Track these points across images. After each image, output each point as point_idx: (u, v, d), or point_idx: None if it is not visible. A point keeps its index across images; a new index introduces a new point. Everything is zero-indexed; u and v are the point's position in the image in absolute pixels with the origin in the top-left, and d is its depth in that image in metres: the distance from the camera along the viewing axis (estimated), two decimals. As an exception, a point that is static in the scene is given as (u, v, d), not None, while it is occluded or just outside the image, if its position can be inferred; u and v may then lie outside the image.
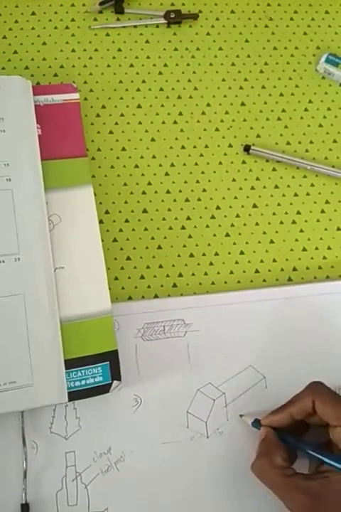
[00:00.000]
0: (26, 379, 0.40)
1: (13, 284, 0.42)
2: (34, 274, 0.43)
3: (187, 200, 0.51)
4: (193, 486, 0.42)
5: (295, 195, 0.52)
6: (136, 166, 0.51)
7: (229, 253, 0.49)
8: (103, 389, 0.41)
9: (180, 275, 0.48)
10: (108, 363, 0.42)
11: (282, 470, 0.37)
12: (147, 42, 0.56)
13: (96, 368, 0.42)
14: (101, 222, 0.48)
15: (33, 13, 0.56)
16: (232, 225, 0.50)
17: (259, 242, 0.50)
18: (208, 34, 0.57)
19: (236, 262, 0.49)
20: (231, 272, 0.49)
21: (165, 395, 0.44)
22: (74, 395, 0.41)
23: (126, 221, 0.50)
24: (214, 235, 0.50)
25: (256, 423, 0.42)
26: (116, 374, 0.42)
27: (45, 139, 0.47)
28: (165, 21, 0.57)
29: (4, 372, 0.40)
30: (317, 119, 0.55)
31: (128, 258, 0.48)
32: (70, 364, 0.41)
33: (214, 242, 0.50)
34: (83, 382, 0.41)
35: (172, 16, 0.56)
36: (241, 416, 0.43)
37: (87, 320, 0.43)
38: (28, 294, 0.42)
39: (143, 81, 0.55)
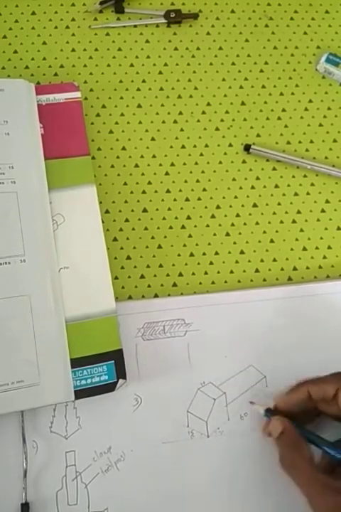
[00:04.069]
0: (33, 378, 0.40)
1: (19, 286, 0.42)
2: (39, 275, 0.43)
3: (187, 199, 0.51)
4: (193, 486, 0.42)
5: (296, 194, 0.52)
6: (136, 166, 0.51)
7: (230, 252, 0.49)
8: (109, 387, 0.42)
9: (180, 274, 0.48)
10: (113, 361, 0.42)
11: (312, 463, 0.36)
12: (147, 41, 0.56)
13: (101, 366, 0.42)
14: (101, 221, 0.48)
15: (33, 13, 0.56)
16: (232, 225, 0.50)
17: (259, 241, 0.50)
18: (208, 34, 0.57)
19: (237, 262, 0.49)
20: (232, 272, 0.49)
21: (166, 394, 0.44)
22: (81, 394, 0.41)
23: (126, 220, 0.50)
24: (215, 235, 0.50)
25: (268, 413, 0.40)
26: (121, 373, 0.42)
27: (48, 138, 0.47)
28: (166, 21, 0.56)
29: (12, 371, 0.40)
30: (317, 118, 0.55)
31: (129, 257, 0.48)
32: (76, 363, 0.42)
33: (215, 242, 0.50)
34: (89, 380, 0.41)
35: (173, 15, 0.56)
36: (252, 403, 0.42)
37: (92, 319, 0.43)
38: (34, 295, 0.42)
39: (144, 81, 0.55)
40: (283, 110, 0.55)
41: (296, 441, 0.38)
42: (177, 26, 0.57)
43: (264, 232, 0.50)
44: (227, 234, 0.50)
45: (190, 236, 0.50)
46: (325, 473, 0.37)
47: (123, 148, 0.52)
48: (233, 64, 0.56)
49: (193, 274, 0.48)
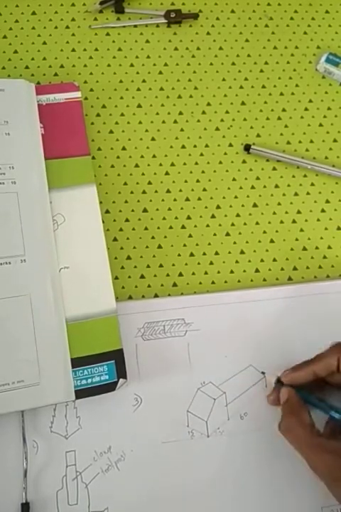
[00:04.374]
0: (33, 378, 0.40)
1: (20, 285, 0.42)
2: (39, 274, 0.43)
3: (187, 199, 0.51)
4: (193, 486, 0.42)
5: (296, 194, 0.52)
6: (137, 166, 0.51)
7: (230, 252, 0.49)
8: (109, 387, 0.42)
9: (181, 274, 0.48)
10: (113, 361, 0.42)
11: (310, 428, 0.38)
12: (147, 41, 0.56)
13: (101, 366, 0.42)
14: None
15: (34, 13, 0.56)
16: (232, 225, 0.50)
17: (259, 241, 0.50)
18: (208, 34, 0.57)
19: (237, 262, 0.49)
20: (232, 272, 0.49)
21: (166, 394, 0.44)
22: (81, 394, 0.41)
23: (127, 220, 0.50)
24: (215, 235, 0.50)
25: (279, 382, 0.42)
26: (121, 372, 0.42)
27: (48, 138, 0.47)
28: (166, 21, 0.57)
29: (12, 371, 0.40)
30: (317, 118, 0.55)
31: (129, 257, 0.48)
32: (76, 363, 0.42)
33: (215, 242, 0.50)
34: (89, 380, 0.41)
35: (173, 15, 0.56)
36: (263, 373, 0.44)
37: (92, 319, 0.43)
38: (34, 295, 0.42)
39: (144, 81, 0.55)
40: (283, 110, 0.55)
41: (297, 407, 0.40)
42: (177, 26, 0.57)
43: (264, 232, 0.50)
44: (227, 234, 0.50)
45: (190, 236, 0.50)
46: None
47: (124, 148, 0.52)
48: (233, 64, 0.56)
49: (193, 274, 0.48)
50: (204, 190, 0.51)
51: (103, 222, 0.46)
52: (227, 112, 0.54)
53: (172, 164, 0.52)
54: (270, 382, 0.43)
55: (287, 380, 0.41)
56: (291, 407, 0.40)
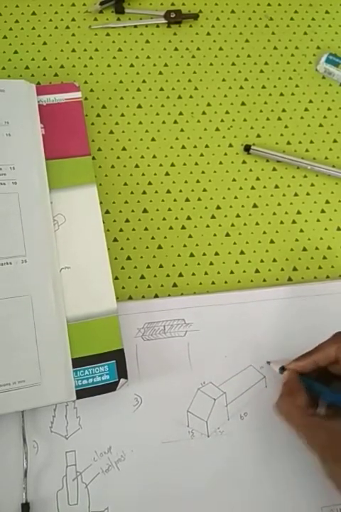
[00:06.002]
0: (35, 378, 0.40)
1: (21, 286, 0.42)
2: (40, 275, 0.43)
3: (187, 199, 0.51)
4: (193, 486, 0.42)
5: (296, 195, 0.52)
6: (137, 166, 0.51)
7: (230, 253, 0.50)
8: (110, 387, 0.42)
9: (181, 275, 0.48)
10: (114, 361, 0.42)
11: (303, 408, 0.39)
12: (147, 42, 0.56)
13: (102, 366, 0.42)
14: (101, 221, 0.48)
15: (34, 13, 0.56)
16: (232, 225, 0.50)
17: (259, 241, 0.50)
18: (208, 34, 0.57)
19: (237, 262, 0.49)
20: (232, 272, 0.49)
21: (166, 394, 0.44)
22: (82, 394, 0.41)
23: (127, 221, 0.50)
24: (215, 235, 0.50)
25: (282, 370, 0.43)
26: (122, 372, 0.42)
27: (49, 139, 0.47)
28: (166, 21, 0.57)
29: (13, 371, 0.40)
30: (317, 118, 0.55)
31: (129, 258, 0.48)
32: (77, 363, 0.42)
33: (215, 242, 0.50)
34: (90, 380, 0.41)
35: (173, 15, 0.56)
36: (268, 363, 0.45)
37: (93, 319, 0.43)
38: (35, 295, 0.42)
39: (144, 81, 0.55)
40: (283, 110, 0.55)
41: (293, 389, 0.40)
42: (177, 26, 0.57)
43: (264, 232, 0.50)
44: (227, 234, 0.50)
45: (190, 236, 0.50)
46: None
47: (124, 149, 0.52)
48: (233, 64, 0.56)
49: (193, 274, 0.49)
50: (204, 190, 0.51)
51: (103, 222, 0.46)
52: (227, 113, 0.54)
53: (173, 165, 0.52)
54: (274, 370, 0.43)
55: (290, 367, 0.42)
56: (288, 388, 0.41)
